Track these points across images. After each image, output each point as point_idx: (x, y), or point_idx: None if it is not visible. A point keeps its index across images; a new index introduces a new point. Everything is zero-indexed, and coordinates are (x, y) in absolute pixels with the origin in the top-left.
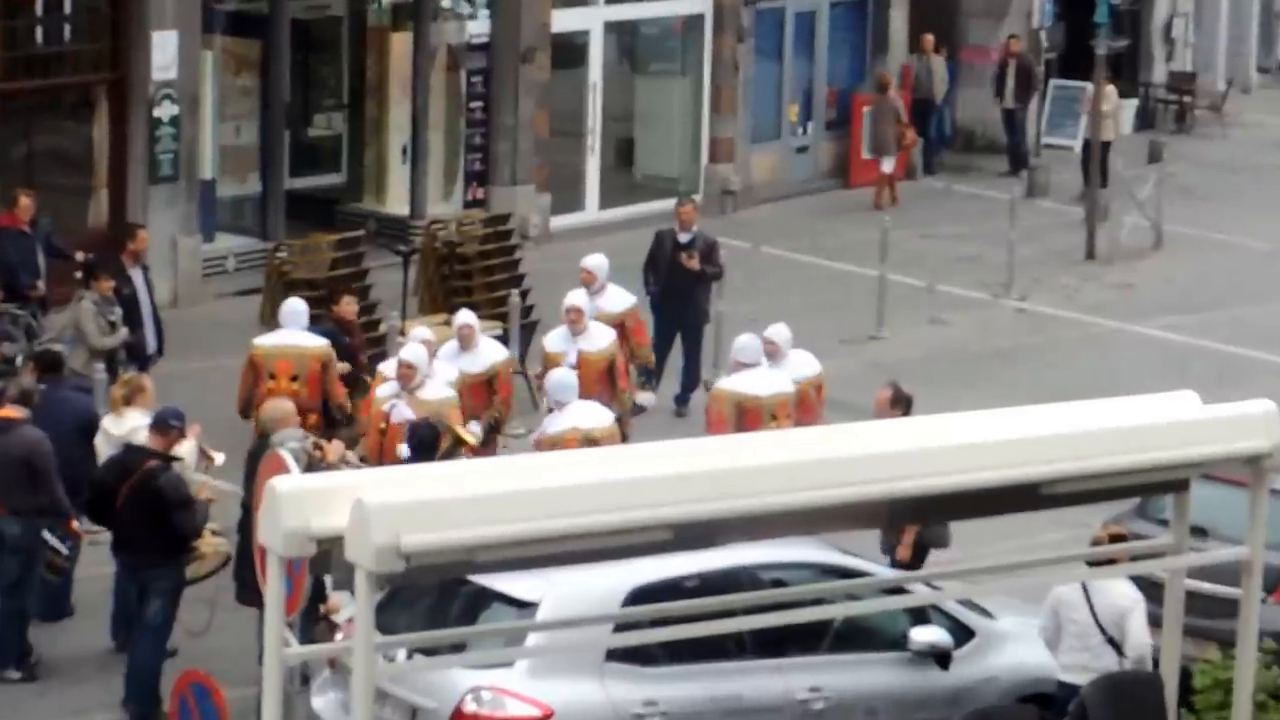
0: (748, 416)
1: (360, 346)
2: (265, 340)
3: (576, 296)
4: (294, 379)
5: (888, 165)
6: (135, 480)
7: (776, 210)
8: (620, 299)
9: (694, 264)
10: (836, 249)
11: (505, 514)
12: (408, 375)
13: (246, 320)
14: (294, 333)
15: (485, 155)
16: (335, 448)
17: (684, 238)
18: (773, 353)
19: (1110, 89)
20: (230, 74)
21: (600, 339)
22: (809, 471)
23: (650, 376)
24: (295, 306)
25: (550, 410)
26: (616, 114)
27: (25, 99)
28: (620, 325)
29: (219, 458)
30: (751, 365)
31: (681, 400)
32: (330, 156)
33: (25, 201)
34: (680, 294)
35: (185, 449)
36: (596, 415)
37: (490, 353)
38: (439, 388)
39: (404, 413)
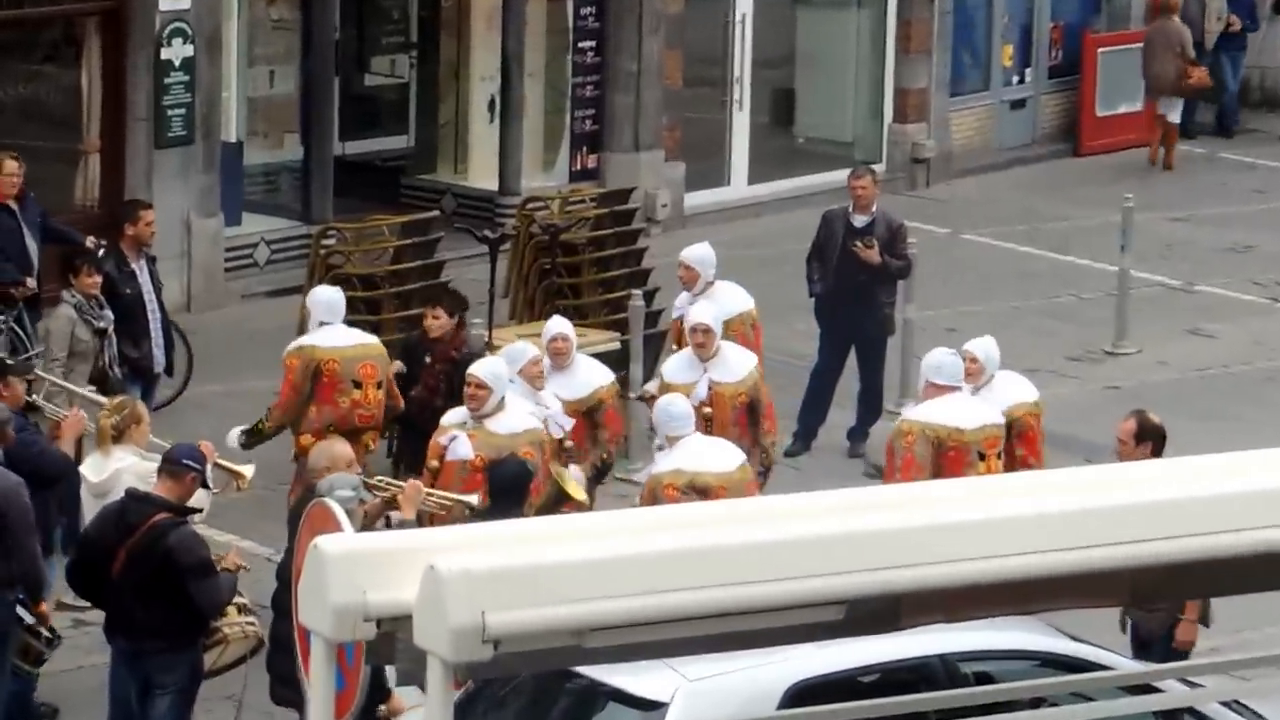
0: (948, 457)
1: (434, 385)
2: (334, 341)
3: (703, 311)
4: (379, 385)
5: (1175, 113)
6: (138, 539)
7: (983, 184)
8: (732, 299)
9: (873, 255)
10: (1063, 236)
11: (627, 584)
12: (477, 397)
13: (283, 328)
14: (348, 329)
15: (599, 112)
16: (412, 492)
17: (860, 221)
18: (974, 374)
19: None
20: (263, 1)
21: (739, 366)
22: (1026, 530)
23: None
24: (334, 296)
25: (661, 449)
26: (772, 57)
27: None
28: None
29: (248, 470)
30: (950, 389)
31: (856, 436)
32: (393, 113)
33: (12, 166)
34: (855, 295)
35: (202, 496)
36: (713, 455)
37: (590, 374)
38: (518, 418)
39: (462, 449)
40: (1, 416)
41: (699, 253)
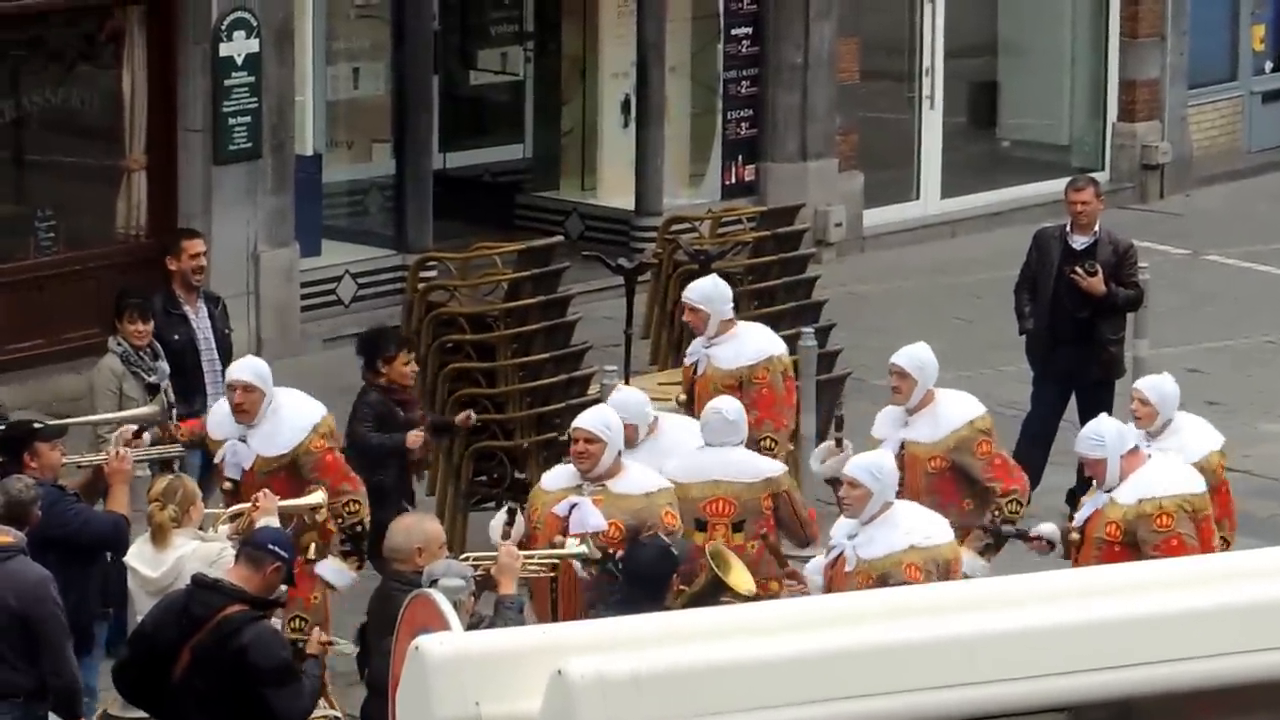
0: (1203, 531)
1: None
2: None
3: (911, 354)
4: None
5: None
6: (205, 636)
7: (1230, 194)
8: (751, 343)
9: (1096, 284)
10: None
11: (799, 690)
12: (589, 454)
13: None
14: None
15: (757, 114)
16: (508, 560)
17: (1080, 242)
18: (1145, 418)
19: None
20: None
21: (945, 421)
22: None
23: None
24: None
25: (855, 517)
26: (968, 44)
27: (14, 29)
28: (737, 387)
29: (319, 497)
30: (1141, 452)
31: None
32: (506, 118)
33: None
34: (1075, 332)
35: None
36: (932, 524)
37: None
38: (646, 475)
39: (589, 518)
40: (25, 495)
41: (704, 289)
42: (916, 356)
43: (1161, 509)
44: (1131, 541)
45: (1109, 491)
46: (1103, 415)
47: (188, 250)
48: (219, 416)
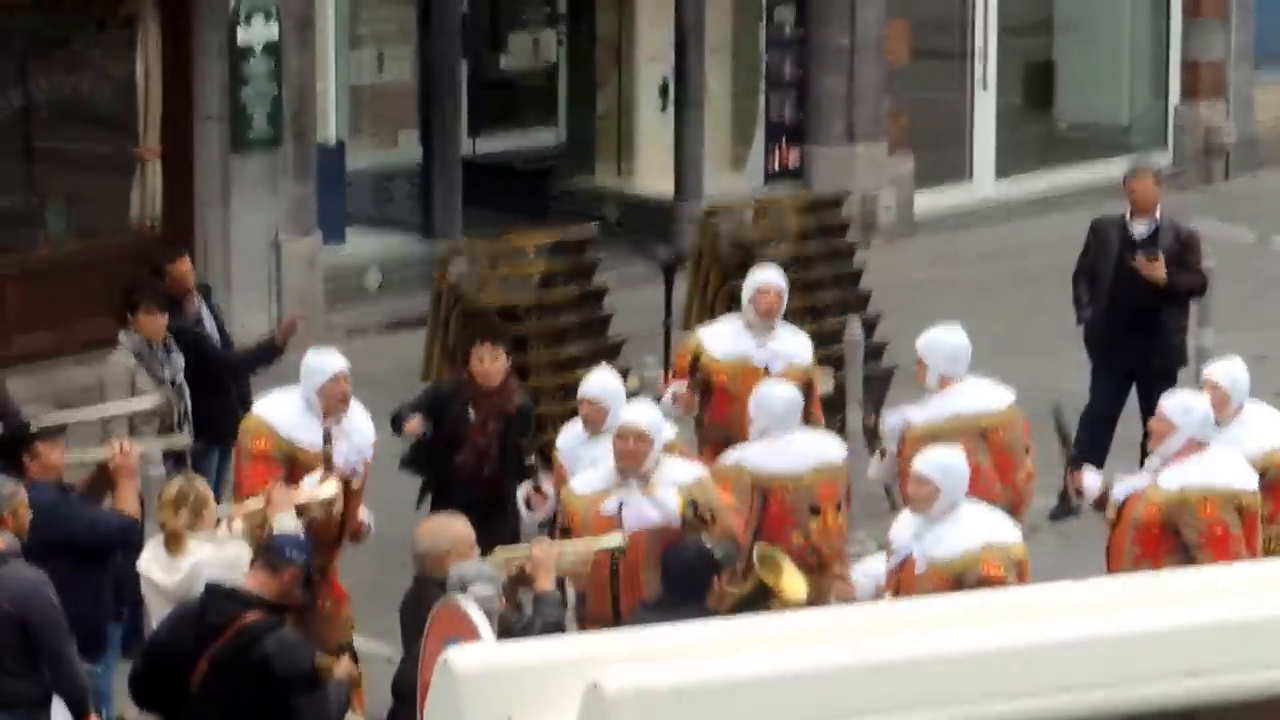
0: (1248, 526)
1: (485, 449)
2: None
3: (929, 337)
4: None
5: None
6: (224, 645)
7: None
8: (800, 338)
9: (1158, 271)
10: None
11: (845, 702)
12: (638, 453)
13: (401, 371)
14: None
15: (801, 96)
16: (544, 555)
17: (1141, 229)
18: (1221, 407)
19: None
20: None
21: (947, 406)
22: None
23: None
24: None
25: (922, 513)
26: (1023, 22)
27: (25, 14)
28: (808, 384)
29: (330, 489)
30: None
31: None
32: (538, 102)
33: None
34: (1137, 321)
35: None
36: (998, 522)
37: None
38: (684, 470)
39: (642, 512)
40: (5, 493)
41: (778, 277)
42: (931, 340)
43: (1205, 498)
44: (1171, 528)
45: (1154, 470)
46: (1207, 395)
47: (172, 274)
48: (294, 418)
